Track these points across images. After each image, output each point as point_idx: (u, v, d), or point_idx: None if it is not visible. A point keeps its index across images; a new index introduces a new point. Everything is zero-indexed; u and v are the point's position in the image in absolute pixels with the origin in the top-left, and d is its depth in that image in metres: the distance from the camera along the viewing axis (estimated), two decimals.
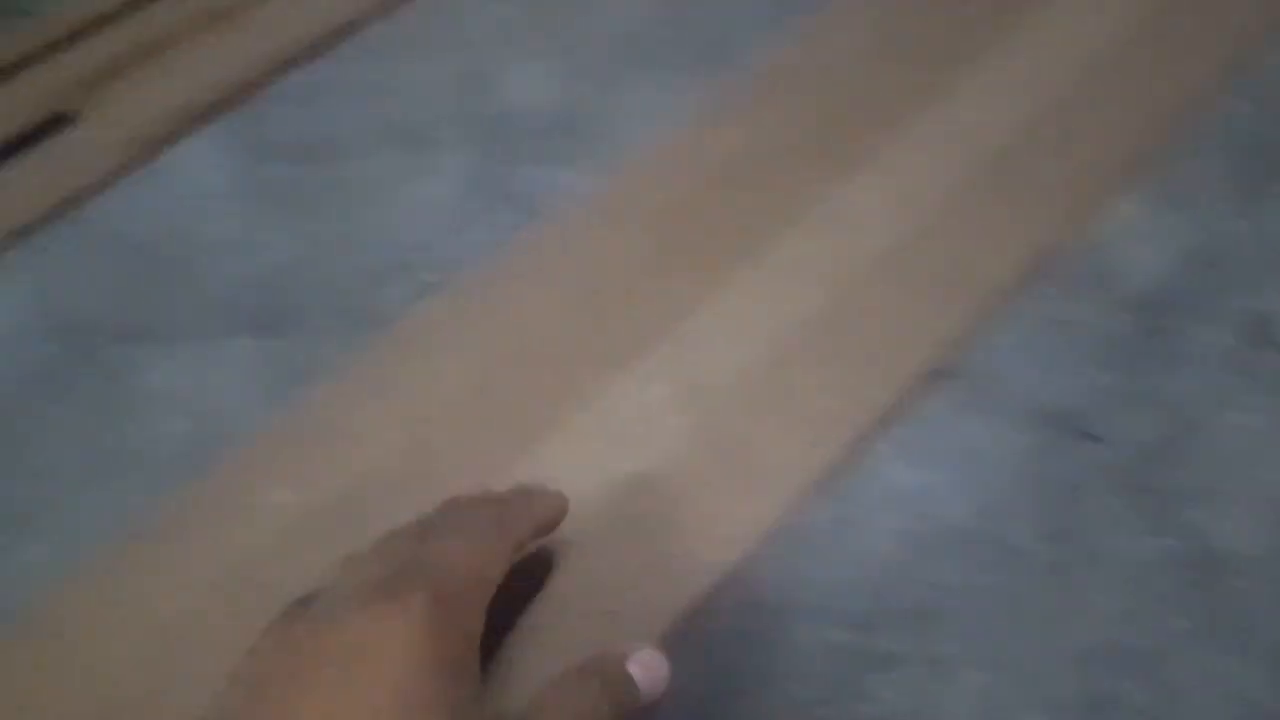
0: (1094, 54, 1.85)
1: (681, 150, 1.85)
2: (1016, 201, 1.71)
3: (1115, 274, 1.58)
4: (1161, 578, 1.28)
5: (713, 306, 1.64)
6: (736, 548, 1.38)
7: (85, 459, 1.55)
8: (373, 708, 0.78)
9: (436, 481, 1.47)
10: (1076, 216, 1.67)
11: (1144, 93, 1.77)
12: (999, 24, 1.96)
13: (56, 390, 1.64)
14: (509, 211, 1.86)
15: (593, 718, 0.96)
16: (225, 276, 1.80)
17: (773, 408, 1.52)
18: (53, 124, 2.09)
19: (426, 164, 1.95)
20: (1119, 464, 1.39)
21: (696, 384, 1.55)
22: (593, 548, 1.38)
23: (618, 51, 2.07)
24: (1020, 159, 1.75)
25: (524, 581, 1.34)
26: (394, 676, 0.80)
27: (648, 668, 1.09)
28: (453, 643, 0.85)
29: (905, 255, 1.68)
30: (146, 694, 1.28)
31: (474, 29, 2.14)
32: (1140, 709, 1.18)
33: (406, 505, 1.45)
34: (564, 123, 1.98)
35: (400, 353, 1.64)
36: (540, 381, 1.57)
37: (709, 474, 1.47)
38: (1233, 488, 1.34)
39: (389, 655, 0.81)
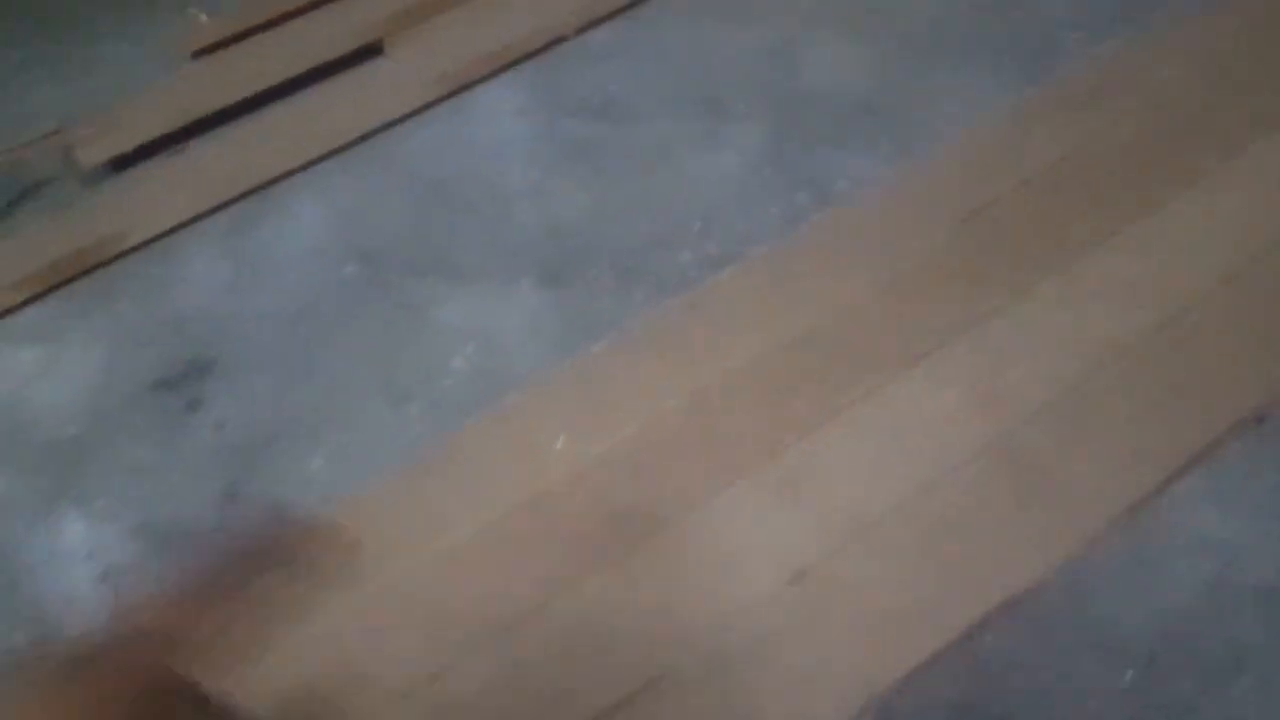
0: None
1: (994, 149, 1.77)
2: None
3: None
4: None
5: (1016, 316, 1.55)
6: (1024, 569, 1.31)
7: (373, 381, 1.60)
8: None
9: (713, 448, 1.45)
10: None
11: None
12: None
13: (351, 311, 1.69)
14: (803, 192, 1.81)
15: None
16: (516, 223, 1.83)
17: (1076, 432, 1.43)
18: (363, 54, 2.16)
19: (722, 134, 1.93)
20: None
21: (993, 394, 1.48)
22: (868, 544, 1.34)
23: (932, 39, 1.99)
24: None
25: None
26: None
27: None
28: None
29: (1234, 289, 1.55)
30: (429, 620, 1.31)
31: (785, 1, 2.10)
32: None
33: (683, 466, 1.44)
34: (868, 107, 1.92)
35: (685, 320, 1.62)
36: (826, 367, 1.53)
37: (999, 489, 1.39)
38: None
39: None
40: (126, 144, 1.96)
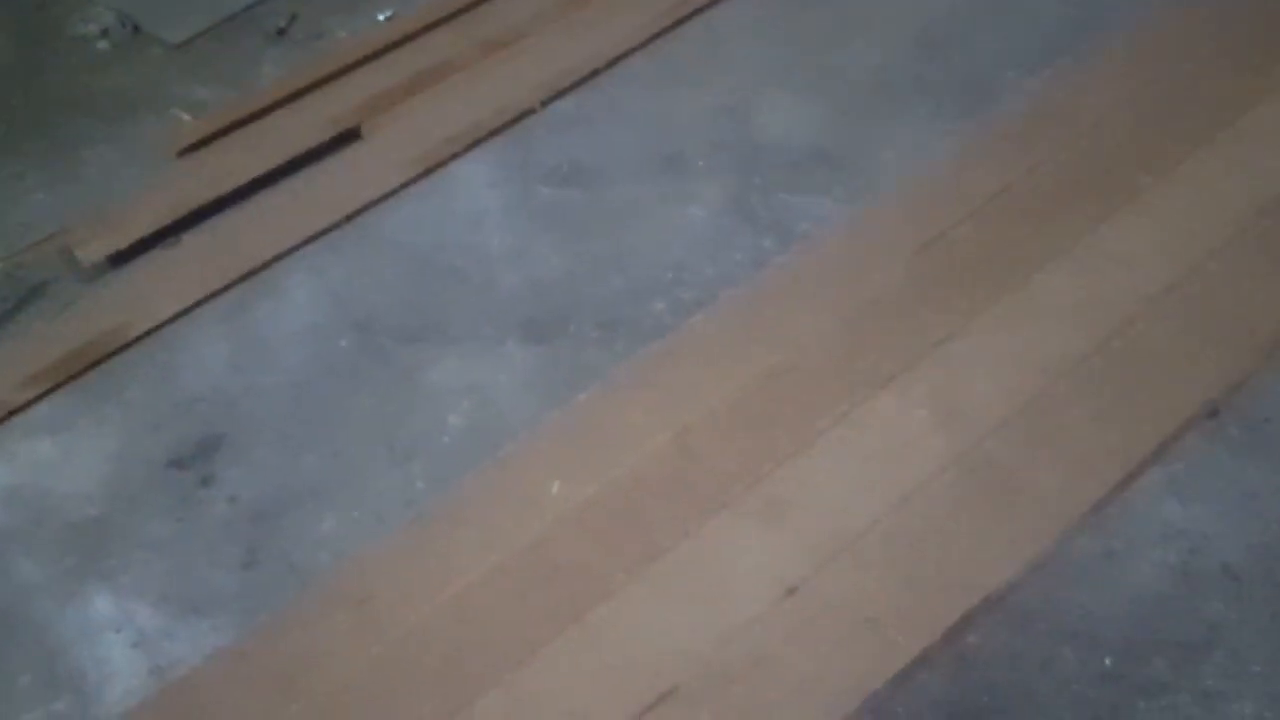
0: None
1: (941, 185, 1.89)
2: None
3: None
4: None
5: (975, 337, 1.66)
6: (998, 571, 1.40)
7: (375, 444, 1.68)
8: None
9: (700, 481, 1.54)
10: None
11: None
12: (1271, 74, 1.92)
13: (349, 380, 1.79)
14: (767, 237, 1.92)
15: None
16: (499, 286, 1.93)
17: (1039, 438, 1.52)
18: (342, 140, 2.27)
19: (686, 189, 2.04)
20: None
21: (957, 410, 1.58)
22: (854, 557, 1.43)
23: (877, 87, 2.12)
24: None
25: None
26: None
27: None
28: None
29: (1177, 295, 1.66)
30: (444, 662, 1.39)
31: (733, 62, 2.23)
32: None
33: (673, 500, 1.53)
34: (821, 155, 2.04)
35: (666, 364, 1.72)
36: (801, 397, 1.62)
37: (971, 498, 1.49)
38: None
39: None
40: (123, 241, 2.05)
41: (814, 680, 1.31)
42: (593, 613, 1.40)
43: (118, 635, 1.50)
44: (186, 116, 2.35)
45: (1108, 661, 1.31)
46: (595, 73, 2.25)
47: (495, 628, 1.41)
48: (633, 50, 2.27)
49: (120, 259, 2.05)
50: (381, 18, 2.53)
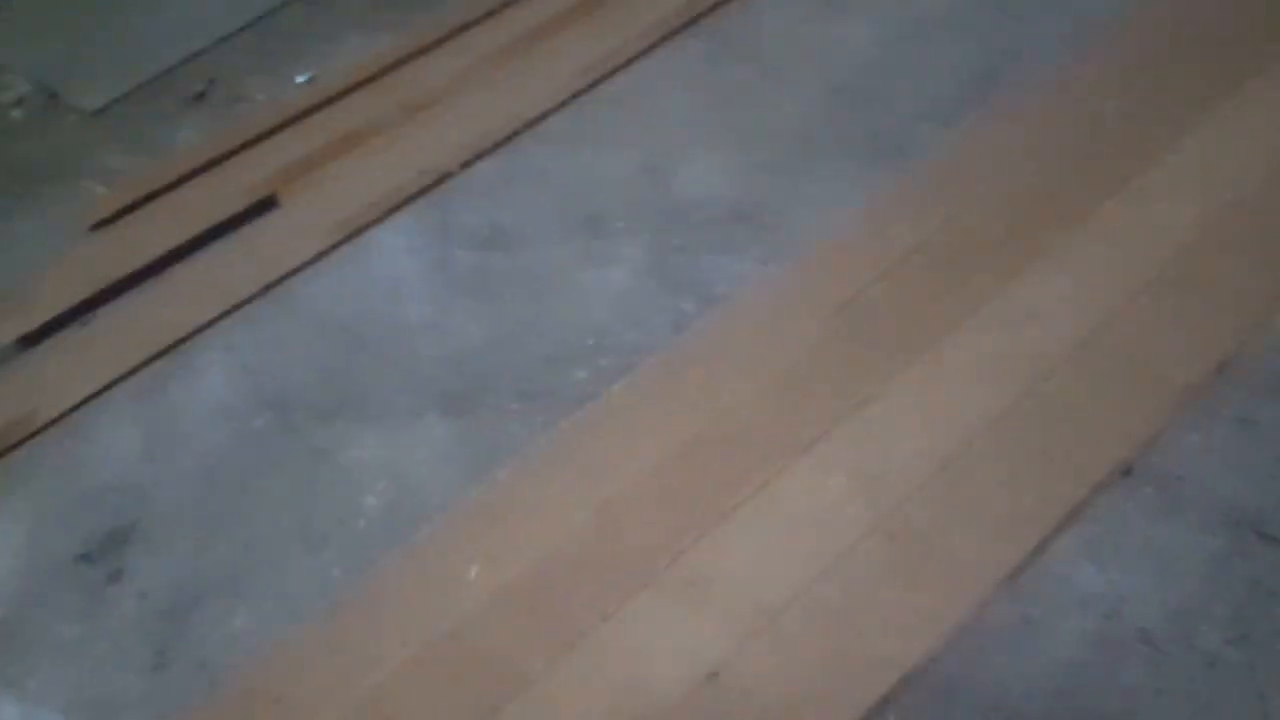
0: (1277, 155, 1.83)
1: (859, 242, 1.88)
2: (1203, 299, 1.68)
3: None
4: None
5: (893, 399, 1.65)
6: (918, 643, 1.39)
7: (290, 530, 1.65)
8: None
9: (620, 560, 1.53)
10: (1266, 316, 1.65)
11: None
12: (1183, 123, 1.94)
13: (264, 463, 1.75)
14: (687, 299, 1.91)
15: None
16: (417, 357, 1.90)
17: (954, 503, 1.52)
18: (259, 208, 2.24)
19: (607, 253, 2.03)
20: None
21: (876, 476, 1.57)
22: (774, 636, 1.41)
23: (793, 144, 2.12)
24: (1205, 257, 1.72)
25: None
26: None
27: None
28: None
29: (1089, 351, 1.66)
30: None
31: (653, 122, 2.23)
32: None
33: (592, 581, 1.51)
34: (740, 213, 2.03)
35: (586, 435, 1.70)
36: (721, 467, 1.61)
37: (888, 567, 1.48)
38: None
39: None
40: (33, 321, 2.01)
41: None
42: (510, 706, 1.37)
43: None
44: (101, 188, 2.32)
45: None
46: (515, 134, 2.24)
47: None
48: (552, 110, 2.26)
49: (30, 339, 2.01)
50: (300, 80, 2.52)
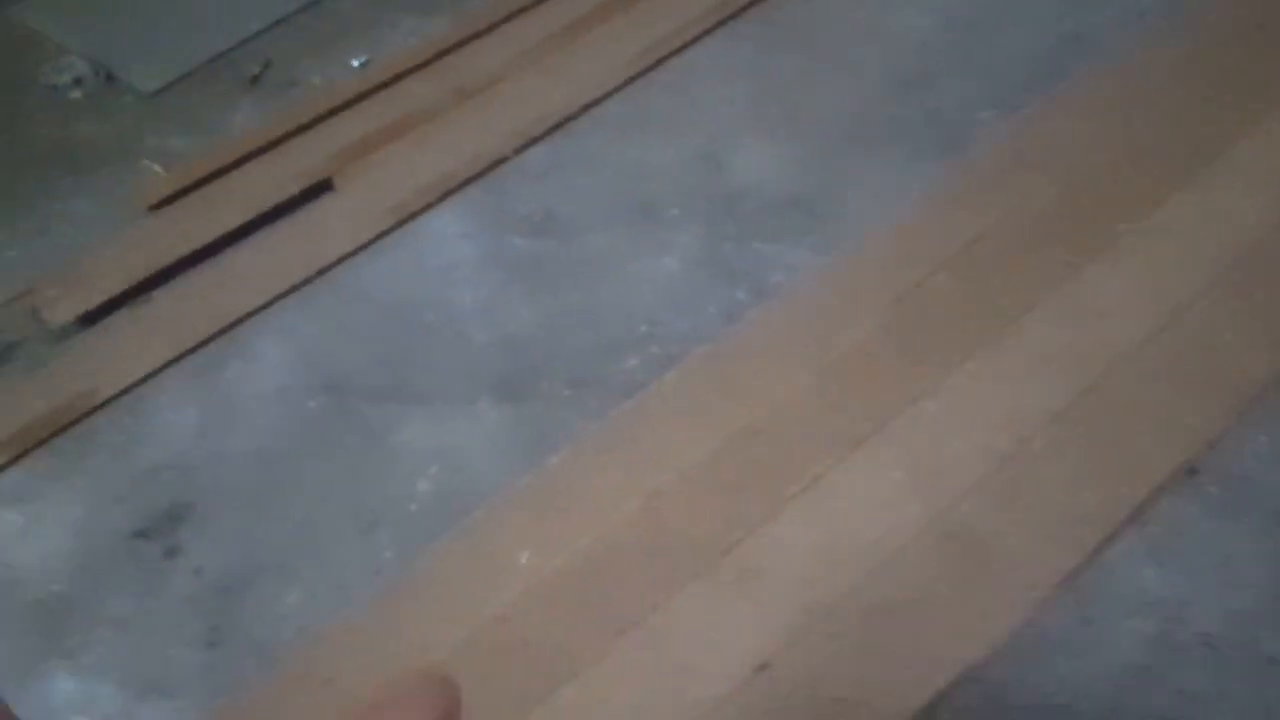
0: None
1: (917, 232, 1.86)
2: (1271, 296, 1.65)
3: None
4: None
5: (951, 393, 1.63)
6: (976, 643, 1.37)
7: (342, 511, 1.66)
8: None
9: (669, 550, 1.52)
10: None
11: None
12: (1251, 113, 1.89)
13: (318, 444, 1.76)
14: (740, 288, 1.90)
15: None
16: (469, 343, 1.90)
17: (1014, 501, 1.49)
18: (314, 192, 2.25)
19: (660, 240, 2.02)
20: None
21: (933, 471, 1.55)
22: (826, 631, 1.40)
23: (848, 132, 2.09)
24: (1275, 251, 1.69)
25: None
26: None
27: None
28: None
29: (1155, 347, 1.63)
30: None
31: (707, 109, 2.20)
32: None
33: (641, 570, 1.50)
34: (795, 202, 2.01)
35: (637, 424, 1.69)
36: (774, 458, 1.60)
37: (946, 565, 1.45)
38: None
39: None
40: (92, 300, 2.03)
41: None
42: (559, 693, 1.37)
43: (81, 718, 1.47)
44: (159, 168, 2.33)
45: None
46: (568, 120, 2.22)
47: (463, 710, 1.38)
48: (605, 96, 2.25)
49: (89, 318, 2.03)
50: (356, 64, 2.51)
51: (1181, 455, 1.50)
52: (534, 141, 2.20)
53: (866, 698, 1.32)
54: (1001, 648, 1.35)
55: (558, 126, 2.22)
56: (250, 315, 1.99)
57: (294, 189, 2.20)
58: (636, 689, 1.37)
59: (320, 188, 2.23)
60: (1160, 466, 1.49)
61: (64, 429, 1.84)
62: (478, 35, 2.47)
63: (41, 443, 1.83)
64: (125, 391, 1.87)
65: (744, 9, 2.37)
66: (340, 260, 2.07)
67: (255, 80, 2.55)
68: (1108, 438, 1.54)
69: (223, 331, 1.97)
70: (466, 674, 1.44)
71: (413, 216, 2.13)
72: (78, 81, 2.61)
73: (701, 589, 1.46)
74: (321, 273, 2.05)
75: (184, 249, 2.10)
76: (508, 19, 2.48)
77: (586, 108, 2.23)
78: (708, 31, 2.34)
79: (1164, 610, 1.37)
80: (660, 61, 2.29)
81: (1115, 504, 1.46)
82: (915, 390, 1.63)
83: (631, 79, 2.27)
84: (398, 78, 2.40)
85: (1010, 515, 1.48)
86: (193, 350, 1.94)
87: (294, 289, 2.04)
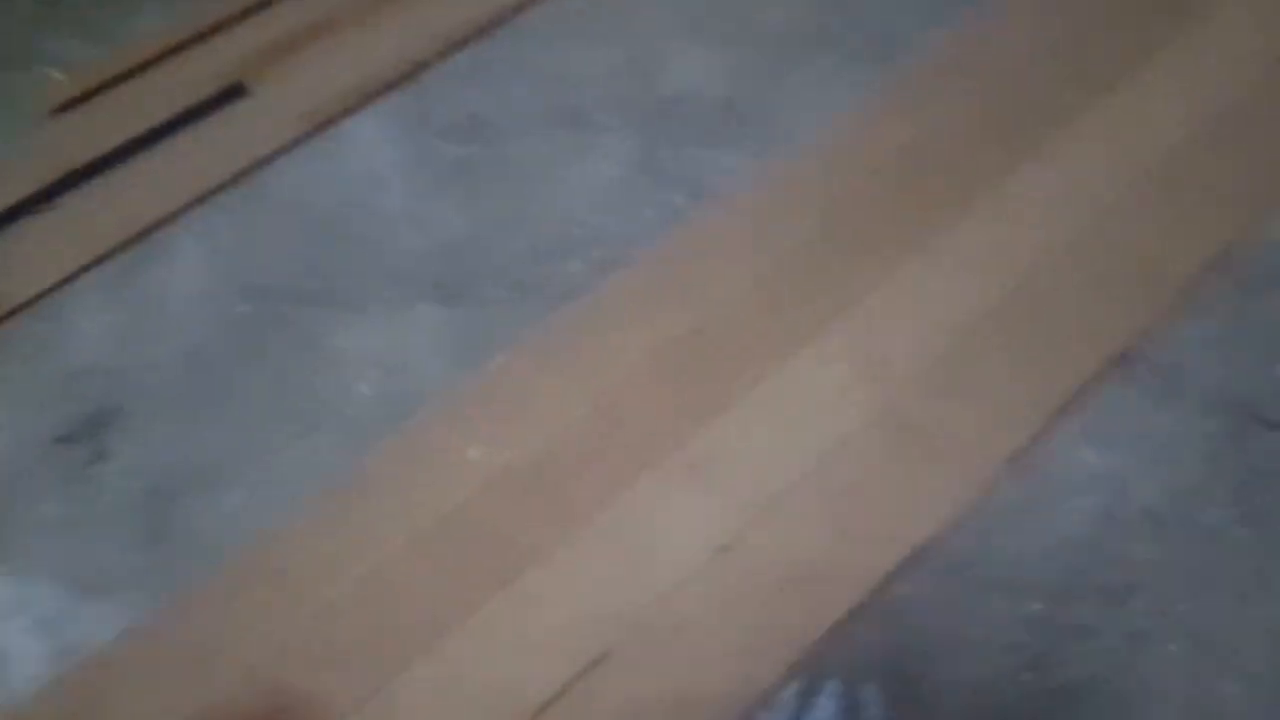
0: (1273, 55, 1.85)
1: (850, 138, 1.87)
2: (1195, 197, 1.70)
3: None
4: None
5: (889, 291, 1.65)
6: (925, 520, 1.40)
7: (280, 414, 1.61)
8: None
9: (621, 444, 1.51)
10: (1253, 213, 1.67)
11: None
12: (1174, 24, 1.95)
13: (249, 349, 1.70)
14: (676, 192, 1.89)
15: None
16: (402, 248, 1.86)
17: (957, 390, 1.53)
18: (228, 95, 2.16)
19: (591, 145, 1.99)
20: None
21: (877, 364, 1.57)
22: (783, 513, 1.41)
23: (784, 40, 2.09)
24: (1198, 155, 1.74)
25: None
26: None
27: None
28: None
29: (1084, 247, 1.67)
30: (367, 634, 1.34)
31: (639, 14, 2.18)
32: None
33: (595, 464, 1.50)
34: (729, 108, 2.01)
35: (581, 325, 1.68)
36: (721, 355, 1.60)
37: (895, 451, 1.48)
38: None
39: None
40: None
41: (750, 637, 1.30)
42: (519, 579, 1.36)
43: (15, 619, 1.41)
44: (58, 74, 2.22)
45: (1036, 607, 1.33)
46: (493, 25, 2.18)
47: (418, 598, 1.37)
48: (531, 2, 2.20)
49: None
50: None
51: (1114, 345, 1.55)
52: (458, 45, 2.15)
53: (827, 573, 1.34)
54: (953, 524, 1.39)
55: (482, 33, 2.18)
56: (166, 221, 1.92)
57: (205, 92, 2.12)
58: (597, 574, 1.37)
59: (233, 92, 2.15)
60: (1094, 356, 1.54)
61: None
62: None
63: None
64: (39, 298, 1.78)
65: None
66: (258, 165, 2.00)
67: None
68: (1042, 331, 1.58)
69: (138, 237, 1.88)
70: (422, 564, 1.43)
71: (332, 121, 2.06)
72: None
73: (656, 479, 1.46)
74: (240, 179, 1.98)
75: (92, 152, 2.00)
76: None
77: (513, 11, 2.18)
78: None
79: (1107, 487, 1.42)
80: None
81: (1053, 391, 1.51)
82: (856, 289, 1.65)
83: None
84: None
85: (952, 403, 1.51)
86: (108, 256, 1.85)
87: (211, 194, 1.96)
